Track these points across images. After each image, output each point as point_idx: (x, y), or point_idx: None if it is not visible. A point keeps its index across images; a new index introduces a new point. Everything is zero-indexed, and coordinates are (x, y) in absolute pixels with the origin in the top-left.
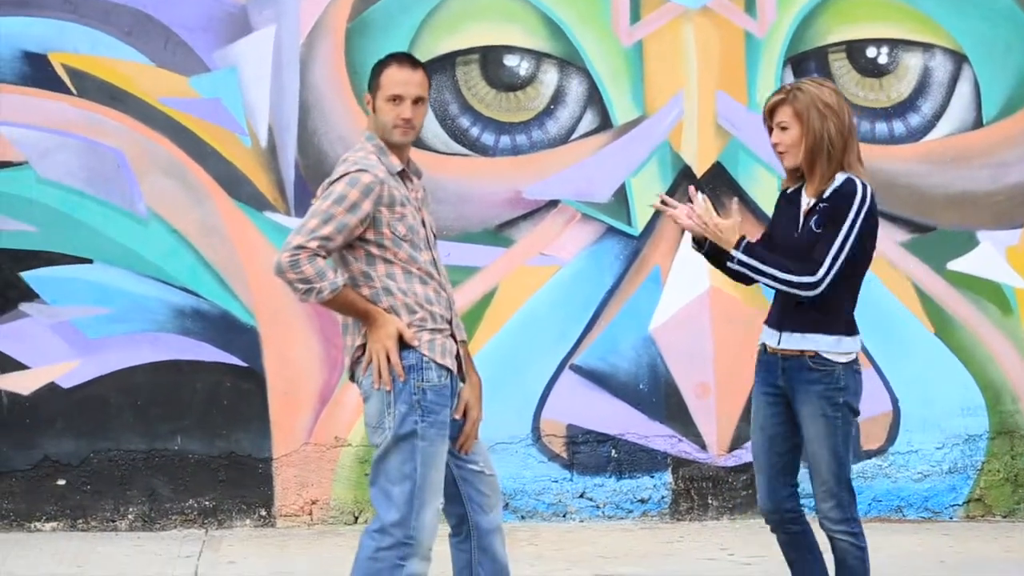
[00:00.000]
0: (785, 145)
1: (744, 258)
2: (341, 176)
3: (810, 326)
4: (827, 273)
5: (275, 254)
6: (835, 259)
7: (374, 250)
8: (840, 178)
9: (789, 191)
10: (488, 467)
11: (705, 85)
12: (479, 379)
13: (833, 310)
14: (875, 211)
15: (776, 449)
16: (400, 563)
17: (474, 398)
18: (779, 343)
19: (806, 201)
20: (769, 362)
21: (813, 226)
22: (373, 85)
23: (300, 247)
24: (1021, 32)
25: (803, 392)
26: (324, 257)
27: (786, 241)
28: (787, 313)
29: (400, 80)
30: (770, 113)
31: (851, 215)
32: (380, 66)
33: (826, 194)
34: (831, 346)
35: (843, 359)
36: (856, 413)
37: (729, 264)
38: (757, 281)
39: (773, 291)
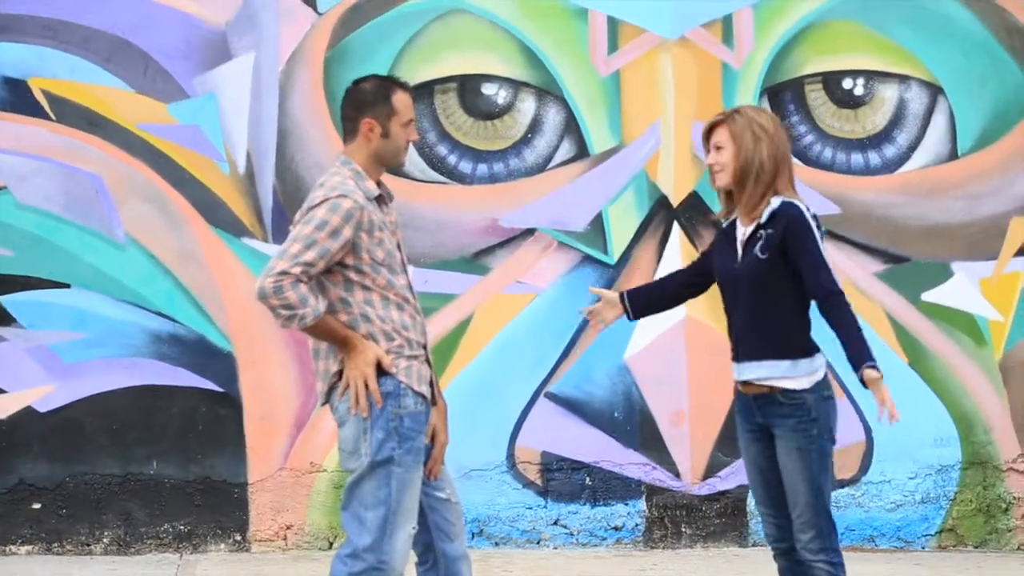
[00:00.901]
0: (720, 164)
1: (870, 369)
2: (321, 202)
3: (764, 353)
4: (834, 280)
5: (253, 280)
6: (826, 267)
7: (352, 276)
8: (776, 202)
9: (725, 225)
10: (454, 495)
11: (682, 115)
12: (445, 404)
13: (783, 334)
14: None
15: (771, 482)
16: None
17: (441, 423)
18: (740, 375)
19: (742, 231)
20: (745, 402)
21: (759, 252)
22: (383, 110)
23: (284, 272)
24: (997, 64)
25: (778, 427)
26: (306, 283)
27: (726, 271)
28: (742, 344)
29: (411, 104)
30: (708, 134)
31: (809, 237)
32: (384, 90)
33: (763, 219)
34: (788, 371)
35: (806, 383)
36: (833, 441)
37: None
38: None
39: (729, 325)
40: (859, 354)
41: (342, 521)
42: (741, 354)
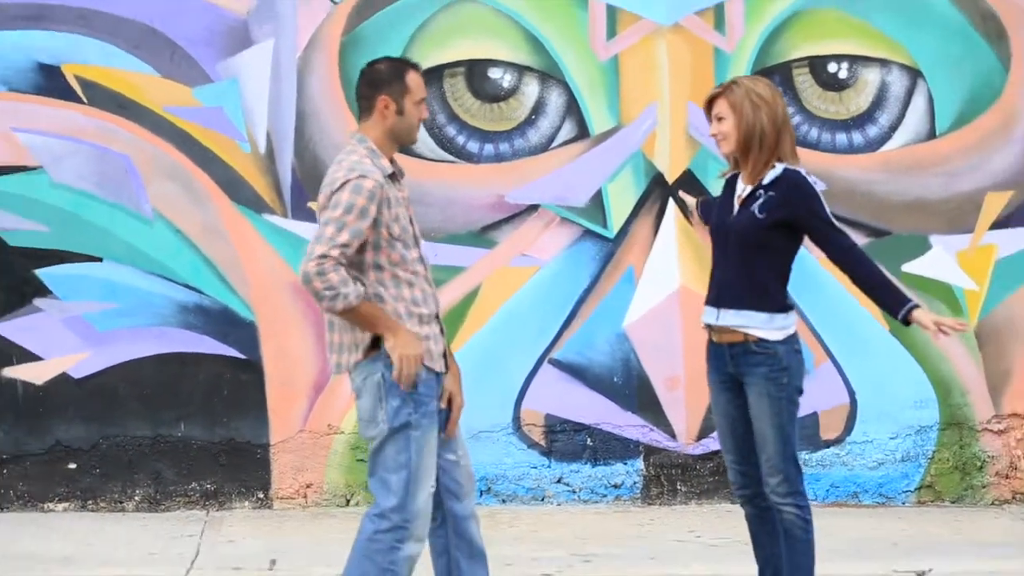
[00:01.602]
0: (722, 134)
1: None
2: (343, 184)
3: (744, 303)
4: (847, 236)
5: (273, 253)
6: (836, 227)
7: (368, 254)
8: (779, 168)
9: (729, 176)
10: (464, 457)
11: (677, 97)
12: (459, 369)
13: (765, 290)
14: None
15: (738, 431)
16: (397, 545)
17: (456, 387)
18: (717, 319)
19: (741, 187)
20: (717, 352)
21: (756, 211)
22: (397, 88)
23: (324, 256)
24: (972, 48)
25: (749, 375)
26: (345, 265)
27: (721, 222)
28: (723, 292)
29: (422, 84)
30: (709, 105)
31: (816, 201)
32: (398, 70)
33: (766, 181)
34: (763, 323)
35: (779, 335)
36: (800, 392)
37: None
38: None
39: (711, 272)
40: (897, 297)
41: (369, 485)
42: (720, 301)
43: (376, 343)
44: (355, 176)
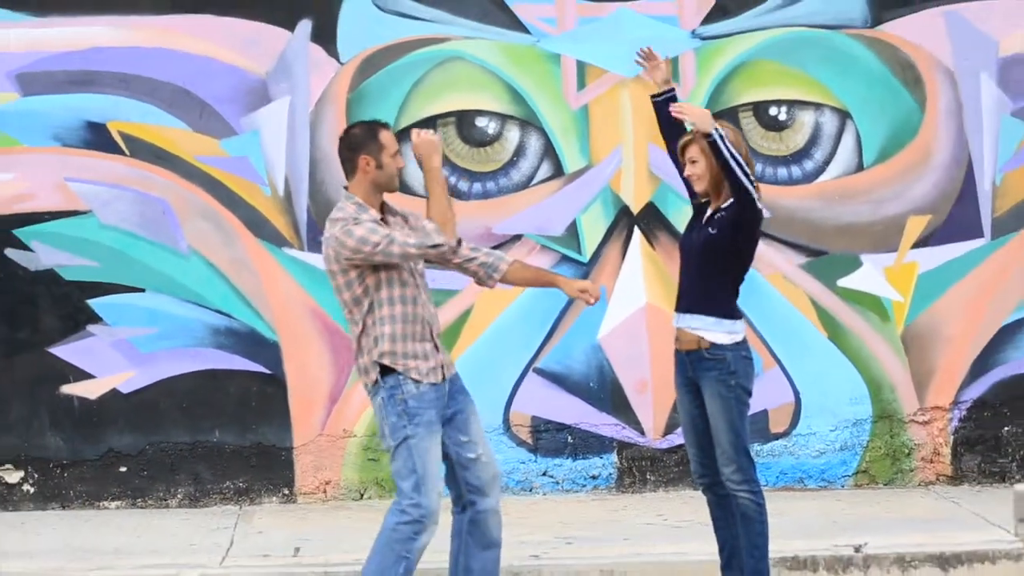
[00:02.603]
0: (696, 175)
1: (719, 139)
2: (345, 225)
3: (698, 308)
4: (754, 188)
5: (293, 282)
6: (748, 179)
7: (369, 281)
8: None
9: (699, 204)
10: (486, 455)
11: (640, 140)
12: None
13: (716, 297)
14: (759, 219)
15: (698, 427)
16: (414, 536)
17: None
18: (678, 323)
19: (708, 213)
20: (681, 360)
21: (710, 229)
22: (374, 147)
23: (369, 241)
24: (893, 93)
25: (704, 379)
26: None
27: (687, 240)
28: (683, 299)
29: (393, 139)
30: (682, 151)
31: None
32: (371, 131)
33: (723, 206)
34: (712, 325)
35: (727, 340)
36: (749, 393)
37: (709, 136)
38: (721, 158)
39: (679, 283)
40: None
41: (396, 484)
42: (682, 306)
43: (375, 378)
44: (352, 220)
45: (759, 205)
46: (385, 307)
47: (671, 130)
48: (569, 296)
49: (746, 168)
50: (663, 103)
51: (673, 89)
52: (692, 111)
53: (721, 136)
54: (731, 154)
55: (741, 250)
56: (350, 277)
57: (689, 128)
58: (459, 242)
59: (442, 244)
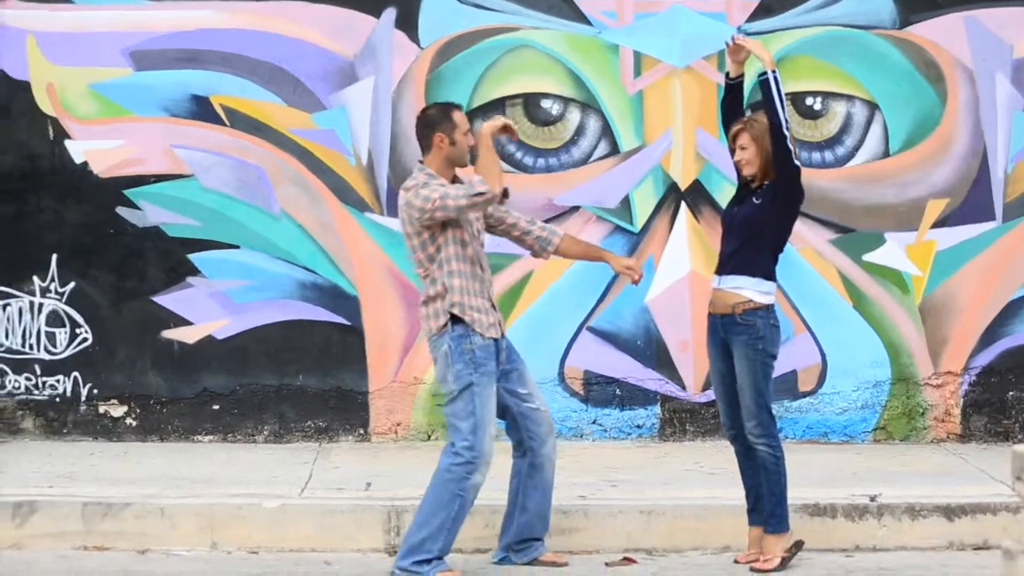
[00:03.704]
0: (745, 161)
1: (774, 80)
2: (417, 191)
3: (739, 270)
4: (796, 155)
5: (373, 243)
6: (789, 132)
7: (440, 240)
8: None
9: (744, 182)
10: (542, 405)
11: (688, 124)
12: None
13: (756, 262)
14: (801, 194)
15: (726, 384)
16: (467, 476)
17: (630, 262)
18: (719, 284)
19: (752, 187)
20: (713, 323)
21: (754, 199)
22: (447, 126)
23: (429, 201)
24: (918, 89)
25: (734, 342)
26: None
27: (729, 211)
28: (725, 263)
29: (465, 118)
30: (734, 137)
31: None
32: (445, 111)
33: (767, 182)
34: (753, 286)
35: (763, 299)
36: (774, 357)
37: (761, 77)
38: (771, 102)
39: (720, 251)
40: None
41: (448, 428)
42: (723, 269)
43: (444, 323)
44: (422, 185)
45: (799, 173)
46: (454, 262)
47: (731, 115)
48: (615, 271)
49: (788, 120)
50: (733, 85)
51: (742, 76)
52: (755, 45)
53: (776, 79)
54: (780, 99)
55: (782, 221)
56: (424, 238)
57: (749, 81)
58: (505, 192)
59: (486, 192)
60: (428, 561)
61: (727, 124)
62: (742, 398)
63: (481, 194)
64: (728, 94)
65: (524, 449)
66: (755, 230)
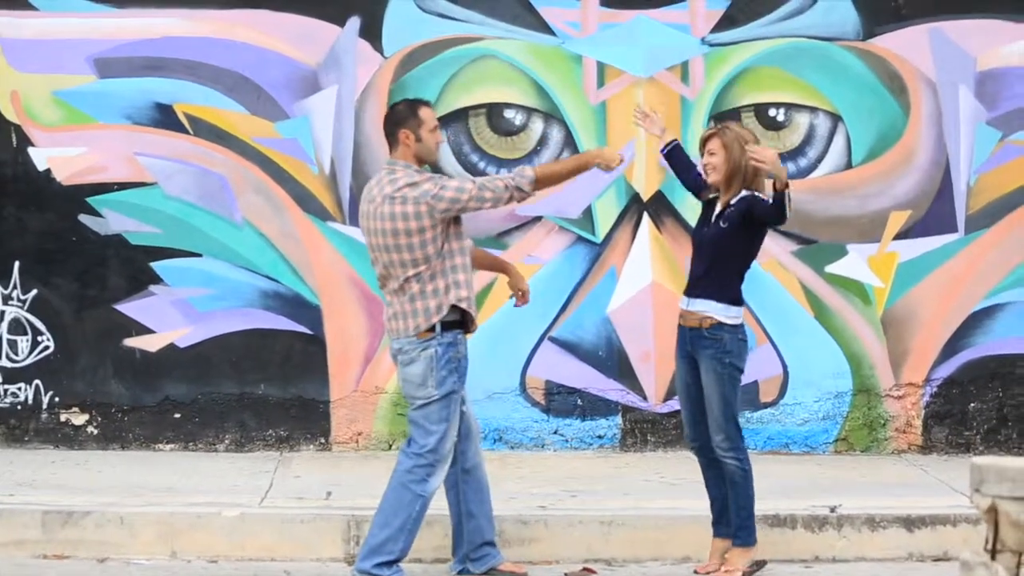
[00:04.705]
0: (712, 166)
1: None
2: (436, 182)
3: (707, 295)
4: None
5: (335, 253)
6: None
7: (446, 233)
8: (744, 192)
9: (708, 200)
10: (470, 407)
11: (651, 135)
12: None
13: (724, 285)
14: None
15: (692, 396)
16: (427, 478)
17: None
18: (687, 306)
19: (718, 210)
20: (682, 335)
21: (721, 223)
22: (413, 123)
23: (461, 191)
24: (881, 100)
25: (701, 355)
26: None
27: (698, 233)
28: (694, 285)
29: (433, 115)
30: (704, 142)
31: (759, 200)
32: (412, 108)
33: (732, 202)
34: (720, 311)
35: (730, 321)
36: (741, 371)
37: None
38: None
39: (689, 271)
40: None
41: (411, 429)
42: (691, 292)
43: (432, 327)
44: (438, 179)
45: (788, 215)
46: (457, 257)
47: (686, 174)
48: (509, 288)
49: (791, 202)
50: (671, 153)
51: (676, 140)
52: (771, 159)
53: (789, 196)
54: (789, 201)
55: (749, 243)
56: (436, 232)
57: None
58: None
59: (528, 193)
60: (389, 564)
61: (686, 182)
62: (710, 412)
63: (524, 193)
64: (670, 161)
65: (454, 455)
66: (722, 252)
